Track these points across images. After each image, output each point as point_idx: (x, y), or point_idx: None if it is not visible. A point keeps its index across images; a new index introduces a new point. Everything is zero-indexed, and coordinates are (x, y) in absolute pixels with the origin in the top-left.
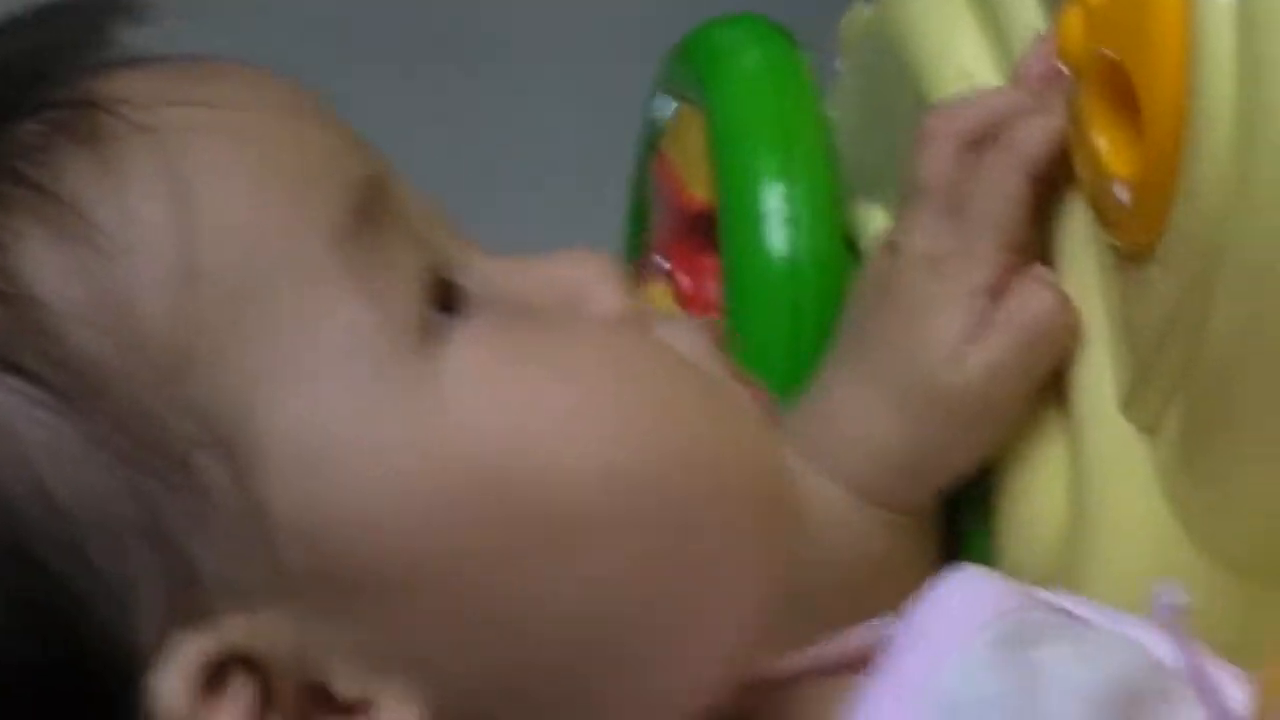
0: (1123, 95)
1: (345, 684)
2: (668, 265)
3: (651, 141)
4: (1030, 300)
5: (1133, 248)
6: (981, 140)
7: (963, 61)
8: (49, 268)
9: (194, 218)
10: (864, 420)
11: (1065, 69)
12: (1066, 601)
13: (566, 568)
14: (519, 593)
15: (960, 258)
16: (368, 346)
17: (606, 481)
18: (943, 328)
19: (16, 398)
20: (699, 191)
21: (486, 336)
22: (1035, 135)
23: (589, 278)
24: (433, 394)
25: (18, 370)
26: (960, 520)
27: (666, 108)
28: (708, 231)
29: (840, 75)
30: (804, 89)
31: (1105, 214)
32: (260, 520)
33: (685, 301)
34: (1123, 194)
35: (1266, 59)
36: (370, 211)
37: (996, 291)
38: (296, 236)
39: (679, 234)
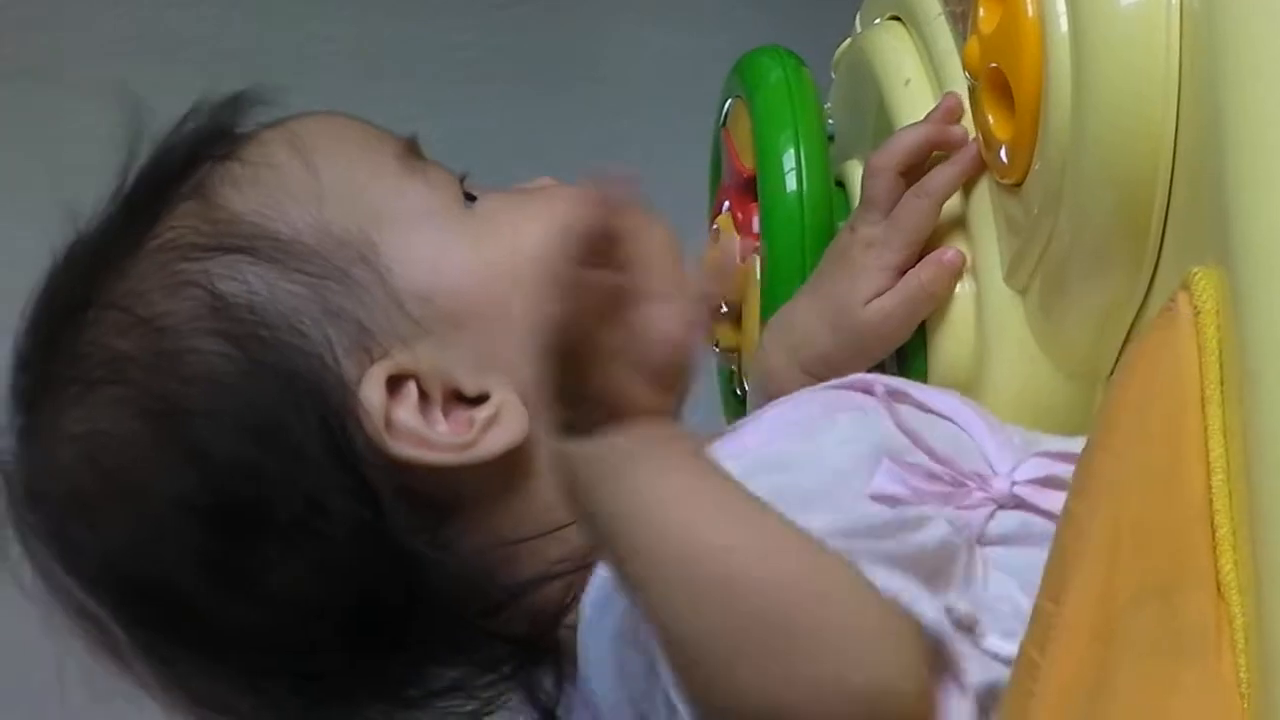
0: (1004, 91)
1: (469, 384)
2: (728, 205)
3: (722, 124)
4: (921, 273)
5: (1011, 183)
6: (905, 167)
7: (906, 73)
8: (252, 196)
9: (314, 159)
10: (809, 329)
11: (968, 77)
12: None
13: None
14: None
15: (883, 245)
16: (434, 206)
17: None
18: (864, 285)
19: (252, 263)
20: (747, 162)
21: (500, 198)
22: (940, 181)
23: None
24: (472, 220)
25: (252, 253)
26: (904, 348)
27: (728, 102)
28: (752, 188)
29: (833, 83)
30: (807, 93)
31: (994, 165)
32: (395, 295)
33: (739, 228)
34: (1004, 152)
35: (1089, 70)
36: (414, 152)
37: (902, 268)
38: (377, 160)
39: (736, 187)
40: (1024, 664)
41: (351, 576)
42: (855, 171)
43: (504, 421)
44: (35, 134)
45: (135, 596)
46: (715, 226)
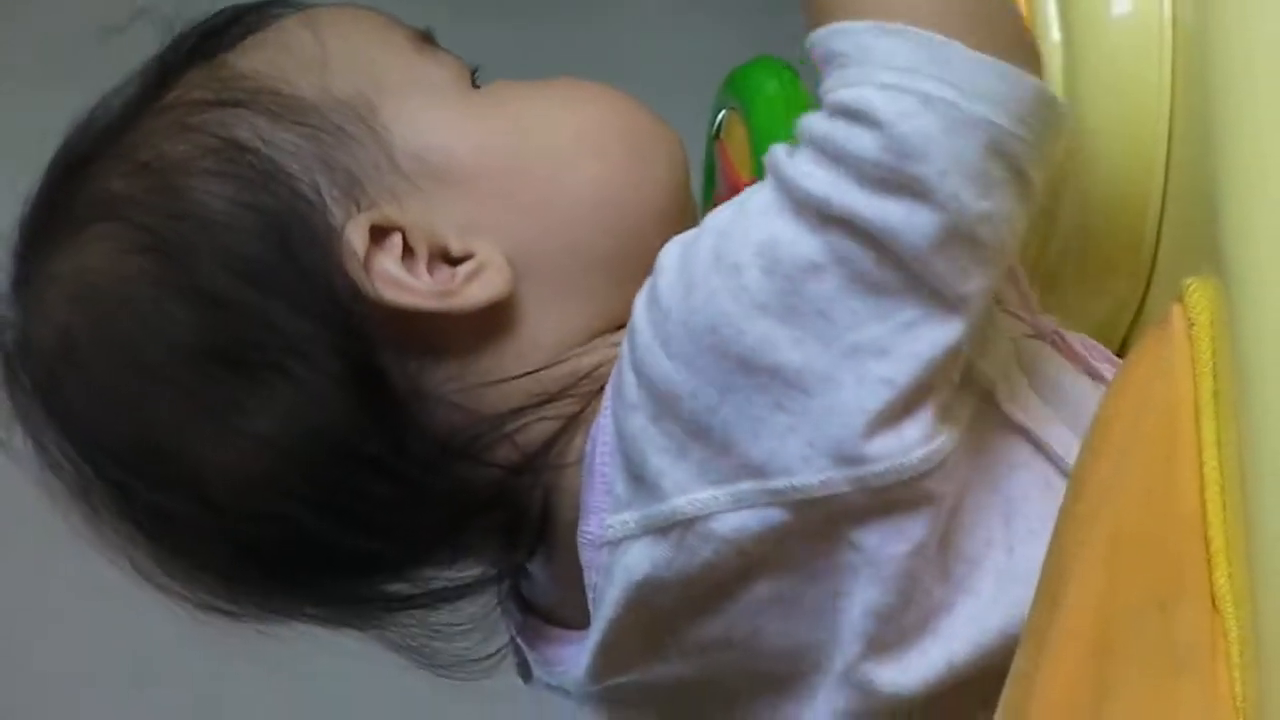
0: None
1: (455, 243)
2: None
3: (715, 135)
4: None
5: None
6: None
7: None
8: (259, 60)
9: (324, 35)
10: None
11: None
12: None
13: (561, 183)
14: (540, 191)
15: None
16: (440, 80)
17: (595, 142)
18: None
19: (251, 114)
20: (744, 173)
21: (509, 85)
22: None
23: None
24: (476, 98)
25: (251, 105)
26: None
27: (721, 114)
28: None
29: None
30: (802, 104)
31: None
32: (388, 150)
33: None
34: None
35: (1081, 80)
36: (427, 39)
37: None
38: (391, 41)
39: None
40: (1018, 678)
41: (336, 416)
42: None
43: (486, 277)
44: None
45: (119, 439)
46: None
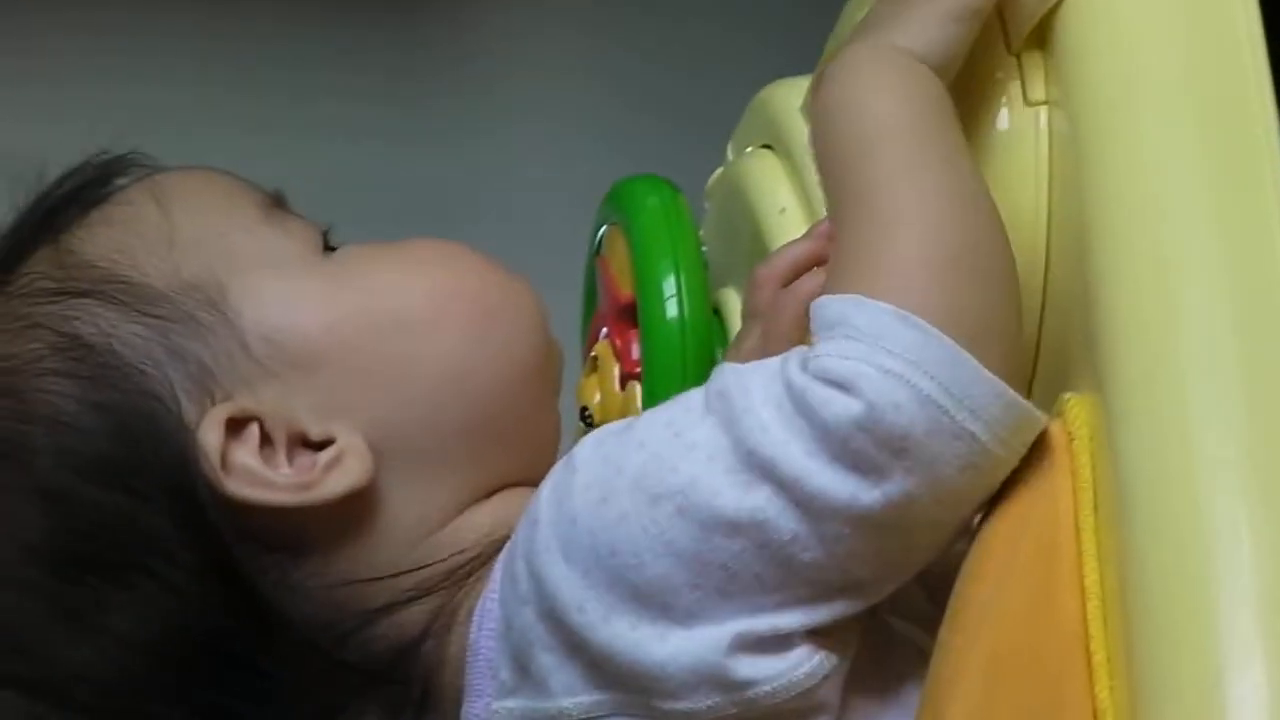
0: None
1: (313, 428)
2: (606, 331)
3: (596, 251)
4: (806, 284)
5: None
6: (788, 280)
7: (780, 202)
8: (104, 241)
9: (170, 208)
10: None
11: None
12: None
13: (416, 355)
14: (394, 366)
15: (764, 355)
16: (289, 253)
17: (444, 307)
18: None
19: (99, 305)
20: (625, 288)
21: (358, 249)
22: (810, 285)
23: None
24: (327, 267)
25: (98, 295)
26: None
27: (602, 229)
28: (630, 314)
29: (707, 211)
30: (685, 220)
31: None
32: (240, 335)
33: (618, 355)
34: None
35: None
36: (278, 205)
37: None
38: (238, 211)
39: (614, 313)
40: None
41: (198, 616)
42: (730, 299)
43: (346, 464)
44: None
45: None
46: (593, 354)
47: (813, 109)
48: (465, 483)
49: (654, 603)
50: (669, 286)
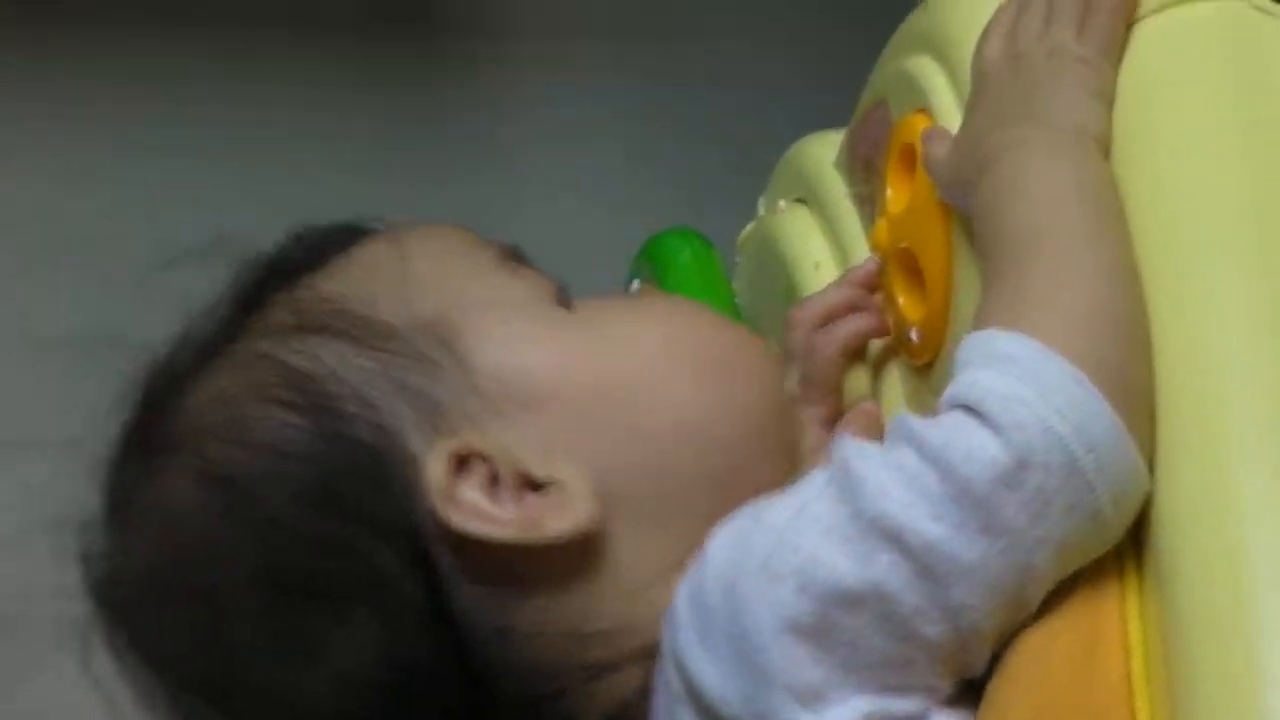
0: (913, 272)
1: (538, 468)
2: None
3: None
4: (848, 425)
5: (922, 364)
6: (823, 322)
7: (814, 257)
8: (341, 283)
9: (409, 255)
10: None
11: (877, 258)
12: None
13: (647, 405)
14: (623, 413)
15: (804, 400)
16: (522, 298)
17: (678, 362)
18: (805, 441)
19: (331, 340)
20: None
21: (594, 301)
22: (846, 329)
23: None
24: (559, 315)
25: (330, 330)
26: None
27: (635, 283)
28: None
29: (738, 263)
30: (717, 272)
31: (905, 346)
32: (470, 375)
33: None
34: (914, 333)
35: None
36: (514, 257)
37: (829, 420)
38: (474, 258)
39: None
40: None
41: (415, 651)
42: None
43: (572, 506)
44: None
45: (203, 675)
46: None
47: (993, 171)
48: (686, 538)
49: (782, 686)
50: None
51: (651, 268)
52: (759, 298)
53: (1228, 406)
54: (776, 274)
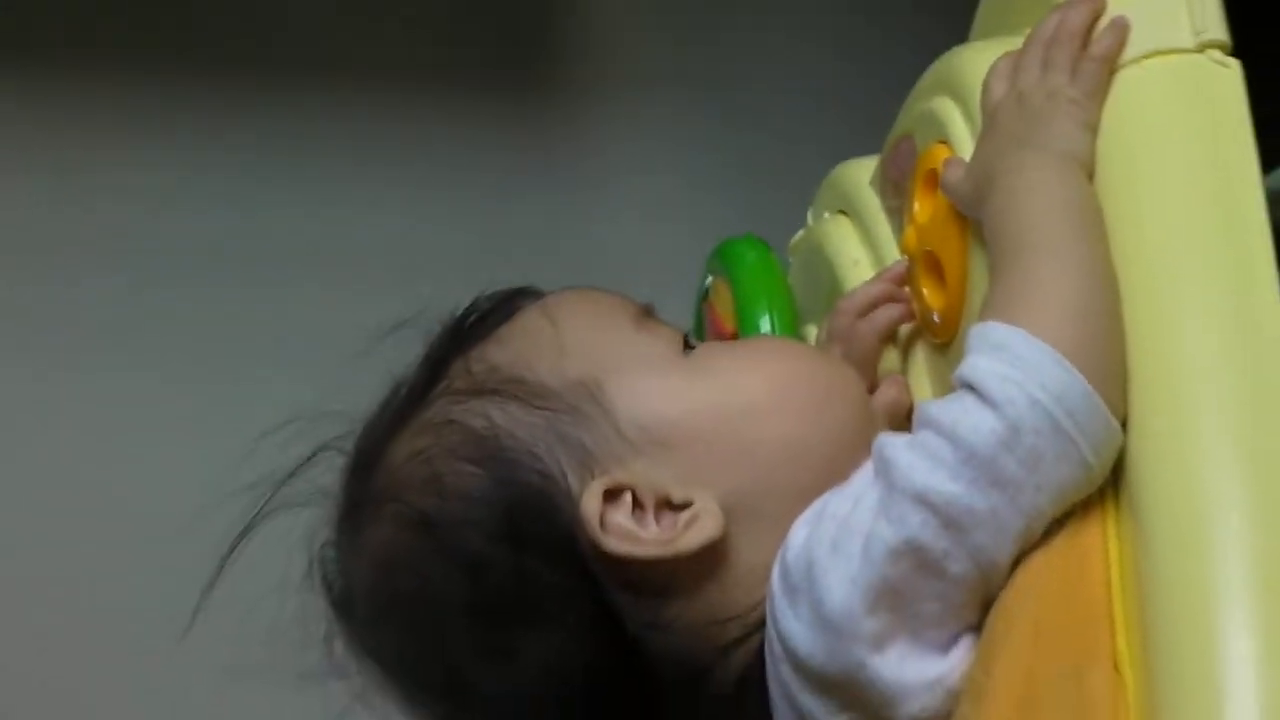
0: (936, 270)
1: (676, 493)
2: None
3: (704, 297)
4: (885, 393)
5: (942, 344)
6: (864, 312)
7: (854, 255)
8: (507, 350)
9: (560, 322)
10: None
11: (906, 259)
12: None
13: (761, 435)
14: (742, 444)
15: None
16: (655, 354)
17: (783, 396)
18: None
19: (503, 401)
20: (729, 325)
21: (712, 347)
22: (883, 317)
23: None
24: (687, 364)
25: (503, 394)
26: None
27: (708, 280)
28: None
29: (790, 264)
30: (776, 271)
31: (929, 327)
32: (614, 423)
33: None
34: (937, 318)
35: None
36: (648, 315)
37: (868, 391)
38: (614, 321)
39: None
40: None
41: (588, 650)
42: (812, 334)
43: (702, 523)
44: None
45: (423, 677)
46: None
47: (998, 188)
48: (787, 532)
49: (851, 636)
50: (765, 324)
51: (723, 267)
52: (808, 290)
53: (1186, 376)
54: (822, 271)
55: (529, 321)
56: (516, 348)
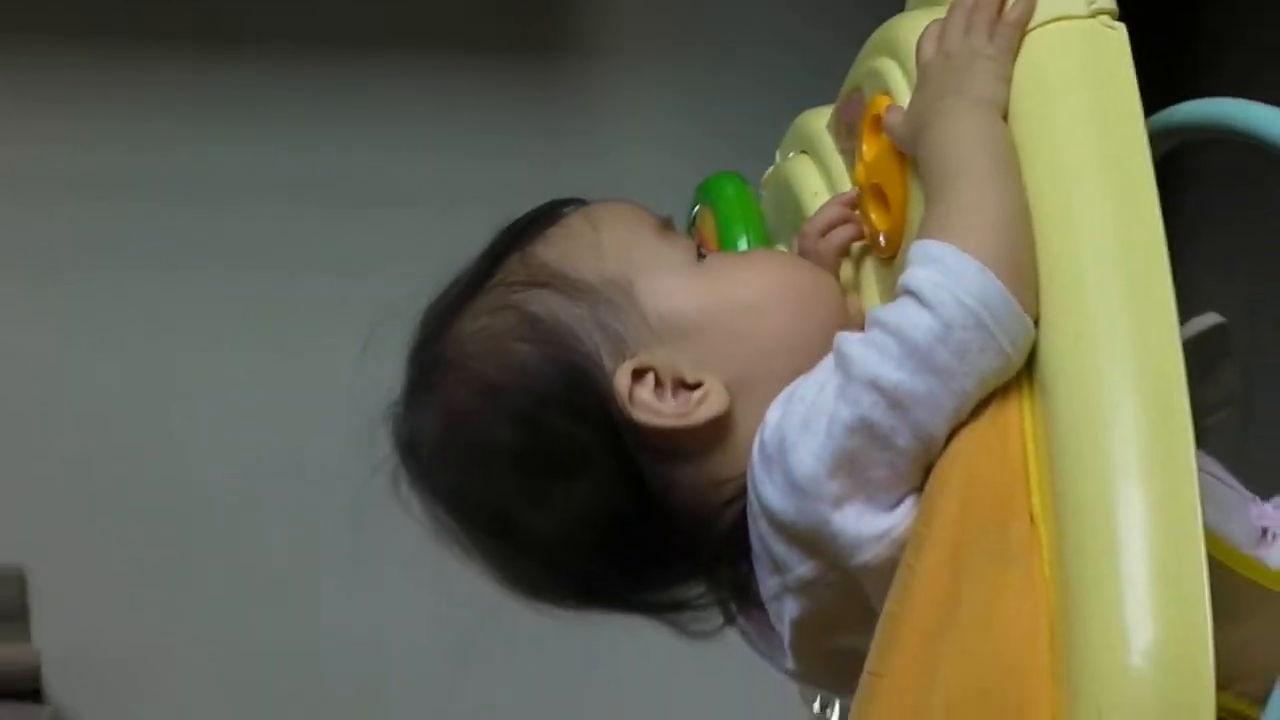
0: (882, 198)
1: (690, 375)
2: None
3: (692, 222)
4: (853, 303)
5: (887, 258)
6: (824, 232)
7: (815, 187)
8: (556, 251)
9: (599, 228)
10: None
11: (857, 189)
12: None
13: (761, 327)
14: (745, 333)
15: None
16: (675, 259)
17: (779, 296)
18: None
19: (551, 293)
20: (713, 245)
21: (721, 256)
22: (839, 236)
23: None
24: (700, 269)
25: (551, 286)
26: None
27: (695, 208)
28: None
29: (763, 195)
30: (751, 201)
31: (876, 246)
32: (642, 314)
33: None
34: (883, 239)
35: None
36: (668, 227)
37: None
38: (642, 230)
39: None
40: (903, 572)
41: (614, 498)
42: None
43: (712, 400)
44: None
45: (477, 513)
46: None
47: (930, 129)
48: None
49: (816, 497)
50: (742, 244)
51: (707, 198)
52: (777, 217)
53: (1086, 282)
54: (788, 201)
55: (573, 226)
56: (563, 248)
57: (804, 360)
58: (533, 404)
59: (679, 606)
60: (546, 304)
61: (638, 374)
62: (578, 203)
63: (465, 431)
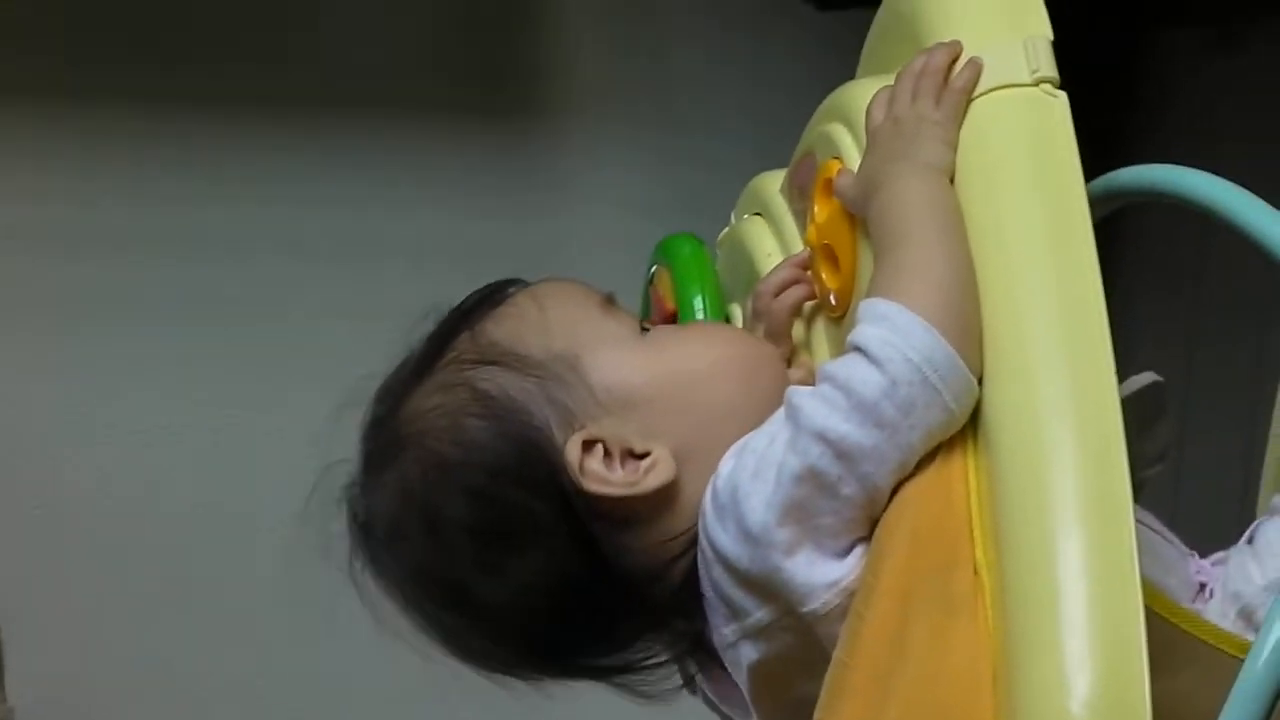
0: (832, 259)
1: (638, 445)
2: None
3: (650, 281)
4: (794, 374)
5: (837, 317)
6: (778, 292)
7: (768, 248)
8: (504, 329)
9: (545, 306)
10: None
11: (809, 250)
12: None
13: (705, 399)
14: (690, 405)
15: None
16: (619, 334)
17: (723, 368)
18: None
19: (501, 370)
20: (670, 304)
21: (664, 329)
22: (792, 296)
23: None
24: (644, 343)
25: (501, 364)
26: None
27: (653, 268)
28: (673, 320)
29: (719, 255)
30: (706, 261)
31: (826, 306)
32: (590, 388)
33: None
34: (833, 298)
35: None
36: (611, 303)
37: (784, 356)
38: (586, 307)
39: (661, 320)
40: (852, 619)
41: (567, 566)
42: (736, 311)
43: (659, 469)
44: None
45: (433, 587)
46: None
47: (880, 192)
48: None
49: (767, 544)
50: (698, 303)
51: (664, 258)
52: (732, 276)
53: (1028, 340)
54: (743, 261)
55: (520, 305)
56: (510, 326)
57: (747, 428)
58: (486, 478)
59: (630, 669)
60: (497, 380)
61: (587, 445)
62: (521, 282)
63: (420, 508)
